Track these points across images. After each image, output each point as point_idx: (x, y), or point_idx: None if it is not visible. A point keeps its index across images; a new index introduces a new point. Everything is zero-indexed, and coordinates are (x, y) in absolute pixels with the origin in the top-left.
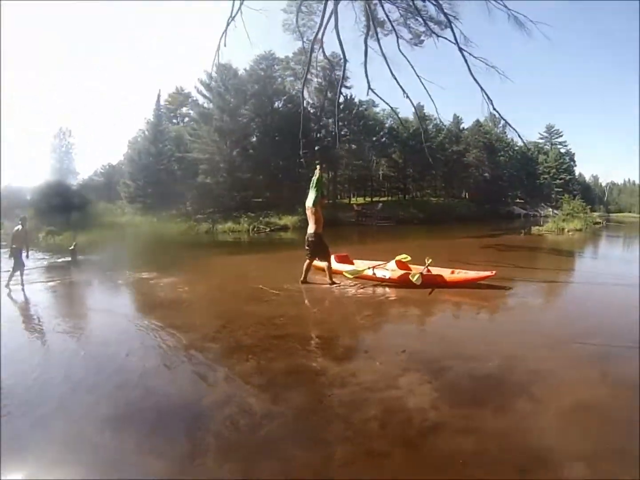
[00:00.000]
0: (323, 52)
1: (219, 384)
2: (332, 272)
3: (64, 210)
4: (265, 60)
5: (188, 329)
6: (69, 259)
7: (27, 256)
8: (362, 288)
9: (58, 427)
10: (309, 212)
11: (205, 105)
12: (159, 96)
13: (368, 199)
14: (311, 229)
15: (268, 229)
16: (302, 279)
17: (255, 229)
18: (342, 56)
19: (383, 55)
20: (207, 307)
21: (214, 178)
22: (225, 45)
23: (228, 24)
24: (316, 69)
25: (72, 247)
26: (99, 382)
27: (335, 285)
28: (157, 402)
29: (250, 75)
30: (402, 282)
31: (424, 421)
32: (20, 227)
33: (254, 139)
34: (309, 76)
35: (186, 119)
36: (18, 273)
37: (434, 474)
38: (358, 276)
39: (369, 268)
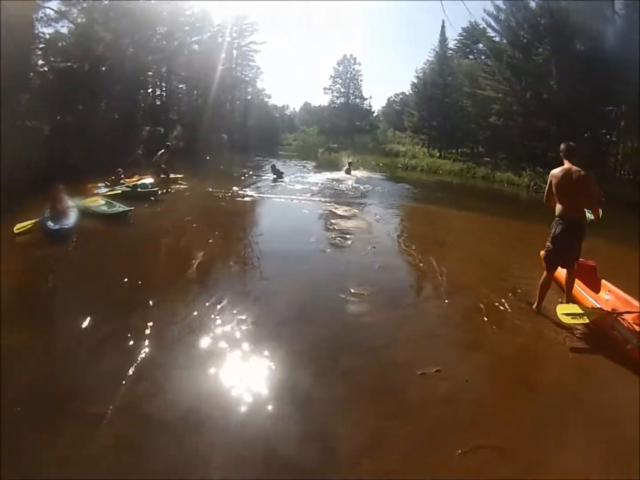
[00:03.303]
0: None
1: None
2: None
3: (348, 131)
4: None
5: None
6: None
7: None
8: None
9: None
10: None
11: (497, 40)
12: (443, 27)
13: None
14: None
15: None
16: (535, 304)
17: (535, 186)
18: None
19: None
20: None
21: (505, 121)
22: None
23: None
24: None
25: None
26: None
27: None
28: None
29: (542, 7)
30: None
31: None
32: (163, 150)
33: (555, 84)
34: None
35: (483, 57)
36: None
37: None
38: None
39: (609, 312)
